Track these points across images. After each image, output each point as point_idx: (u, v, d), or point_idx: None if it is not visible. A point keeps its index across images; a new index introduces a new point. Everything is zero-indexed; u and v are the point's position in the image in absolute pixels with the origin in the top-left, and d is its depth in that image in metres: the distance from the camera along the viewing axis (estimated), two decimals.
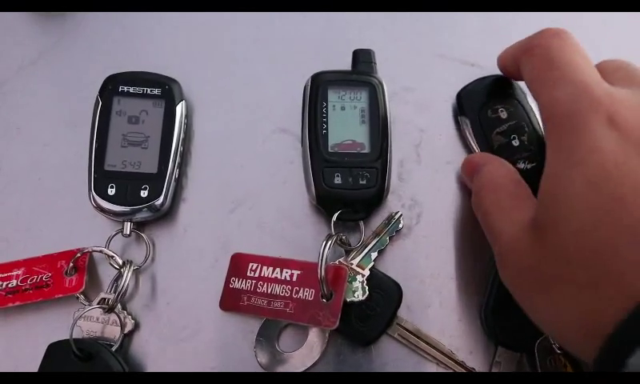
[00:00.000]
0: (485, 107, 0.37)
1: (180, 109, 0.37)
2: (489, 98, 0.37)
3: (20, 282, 0.33)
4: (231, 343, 0.33)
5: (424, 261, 0.35)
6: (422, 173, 0.37)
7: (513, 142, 0.36)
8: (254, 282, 0.34)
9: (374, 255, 0.34)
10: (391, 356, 0.33)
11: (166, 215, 0.36)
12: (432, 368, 0.33)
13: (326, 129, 0.35)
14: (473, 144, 0.37)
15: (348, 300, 0.32)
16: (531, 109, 0.37)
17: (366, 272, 0.34)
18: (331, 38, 0.41)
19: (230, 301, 0.34)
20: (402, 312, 0.34)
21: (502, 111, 0.36)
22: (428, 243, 0.36)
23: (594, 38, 0.41)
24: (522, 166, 0.35)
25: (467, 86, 0.38)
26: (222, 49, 0.41)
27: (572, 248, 0.23)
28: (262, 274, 0.34)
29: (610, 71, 0.28)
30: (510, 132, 0.36)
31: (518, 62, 0.31)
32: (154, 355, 0.33)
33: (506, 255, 0.27)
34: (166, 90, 0.37)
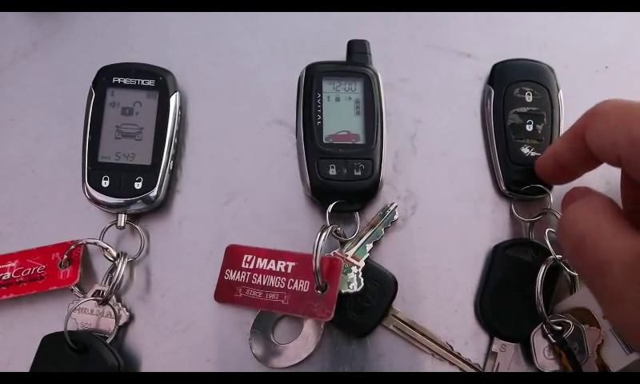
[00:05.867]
0: (514, 85, 0.37)
1: (174, 100, 0.36)
2: (522, 77, 0.37)
3: (14, 275, 0.33)
4: (226, 335, 0.33)
5: (419, 252, 0.35)
6: (417, 164, 0.37)
7: (527, 126, 0.36)
8: (248, 273, 0.34)
9: (369, 246, 0.34)
10: (386, 347, 0.33)
11: (160, 207, 0.36)
12: (427, 359, 0.33)
13: (321, 120, 0.35)
14: (488, 115, 0.37)
15: (343, 291, 0.32)
16: (558, 104, 0.36)
17: (361, 263, 0.33)
18: (326, 29, 0.41)
19: (225, 293, 0.34)
20: (398, 303, 0.34)
21: (528, 94, 0.36)
22: (423, 234, 0.36)
23: (587, 37, 0.41)
24: (525, 151, 0.35)
25: (506, 61, 0.38)
26: (217, 40, 0.41)
27: None
28: (257, 266, 0.34)
29: None
30: (528, 116, 0.36)
31: (580, 136, 0.28)
32: (148, 347, 0.33)
33: (623, 289, 0.22)
34: (159, 82, 0.36)
